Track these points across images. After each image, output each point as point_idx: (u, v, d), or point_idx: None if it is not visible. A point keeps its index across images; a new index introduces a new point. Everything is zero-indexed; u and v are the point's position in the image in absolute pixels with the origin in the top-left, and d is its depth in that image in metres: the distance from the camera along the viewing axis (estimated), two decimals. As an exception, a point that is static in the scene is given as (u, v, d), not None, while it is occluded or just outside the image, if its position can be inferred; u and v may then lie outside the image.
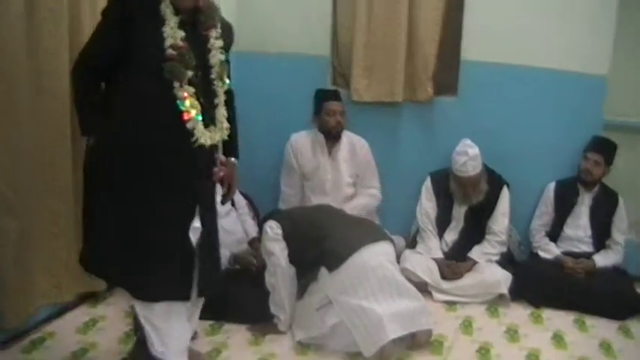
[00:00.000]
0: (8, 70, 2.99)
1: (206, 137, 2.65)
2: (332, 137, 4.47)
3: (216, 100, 2.75)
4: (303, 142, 4.57)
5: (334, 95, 4.49)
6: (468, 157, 4.25)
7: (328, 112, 4.40)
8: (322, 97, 4.48)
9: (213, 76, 2.72)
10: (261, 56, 4.97)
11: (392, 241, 3.78)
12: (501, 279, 4.21)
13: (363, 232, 3.67)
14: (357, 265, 3.45)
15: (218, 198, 2.98)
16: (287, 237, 3.60)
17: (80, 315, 3.72)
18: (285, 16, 4.90)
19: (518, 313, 4.10)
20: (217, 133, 2.74)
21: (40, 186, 3.32)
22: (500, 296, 4.20)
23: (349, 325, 3.38)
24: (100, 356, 3.34)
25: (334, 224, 3.67)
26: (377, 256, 3.53)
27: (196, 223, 2.74)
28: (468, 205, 4.43)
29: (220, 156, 2.95)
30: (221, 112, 2.77)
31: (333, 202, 4.33)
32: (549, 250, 4.48)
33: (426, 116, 4.81)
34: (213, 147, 2.79)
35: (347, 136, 4.53)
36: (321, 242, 3.54)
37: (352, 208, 4.40)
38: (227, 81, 2.79)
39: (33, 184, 3.26)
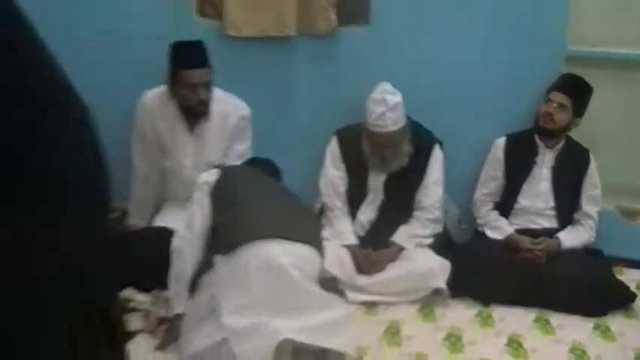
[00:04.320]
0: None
1: None
2: (194, 115, 3.80)
3: None
4: (160, 105, 3.83)
5: (195, 60, 3.67)
6: (387, 108, 3.69)
7: (187, 84, 3.62)
8: (179, 61, 3.66)
9: None
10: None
11: (318, 249, 3.39)
12: (437, 269, 3.76)
13: (283, 221, 3.30)
14: (251, 258, 3.10)
15: None
16: (214, 193, 3.31)
17: None
18: None
19: (461, 314, 3.73)
20: None
21: None
22: (437, 292, 3.77)
23: (236, 351, 2.97)
24: None
25: (257, 194, 3.37)
26: (282, 256, 3.14)
27: None
28: (388, 172, 3.91)
29: None
30: None
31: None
32: (499, 228, 4.00)
33: (329, 54, 4.19)
34: None
35: (218, 103, 3.77)
36: (228, 209, 3.27)
37: None
38: None
39: None
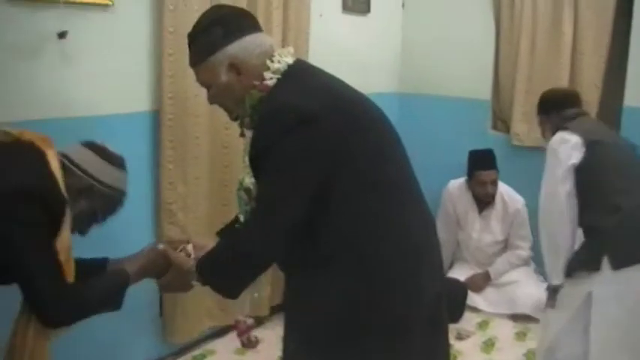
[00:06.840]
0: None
1: None
2: (482, 203, 4.61)
3: None
4: (459, 192, 4.70)
5: (486, 163, 4.52)
6: None
7: (479, 181, 4.49)
8: (474, 163, 4.56)
9: None
10: (423, 98, 5.19)
11: None
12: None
13: None
14: None
15: None
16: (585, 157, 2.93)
17: (239, 336, 3.98)
18: (448, 60, 5.11)
19: None
20: None
21: (214, 205, 3.64)
22: None
23: None
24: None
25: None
26: None
27: None
28: None
29: None
30: None
31: (475, 258, 4.70)
32: None
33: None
34: None
35: (501, 195, 4.57)
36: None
37: (497, 268, 4.63)
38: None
39: (207, 204, 3.60)
